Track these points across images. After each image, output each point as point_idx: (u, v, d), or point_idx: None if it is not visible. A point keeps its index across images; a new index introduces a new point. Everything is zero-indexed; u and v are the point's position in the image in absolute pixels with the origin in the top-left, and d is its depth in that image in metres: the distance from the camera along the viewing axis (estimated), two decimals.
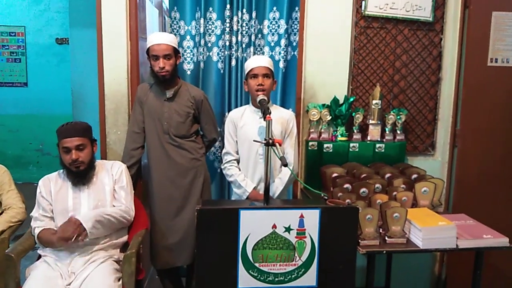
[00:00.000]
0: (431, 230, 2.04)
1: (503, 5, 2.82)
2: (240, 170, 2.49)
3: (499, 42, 2.85)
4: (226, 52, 2.89)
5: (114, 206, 2.29)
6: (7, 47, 5.79)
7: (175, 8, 2.88)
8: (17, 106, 5.85)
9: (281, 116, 2.45)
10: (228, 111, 2.94)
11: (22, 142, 5.93)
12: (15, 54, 5.82)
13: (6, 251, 2.12)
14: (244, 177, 2.45)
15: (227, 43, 2.88)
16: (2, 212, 2.44)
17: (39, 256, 2.24)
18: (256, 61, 2.41)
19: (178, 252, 2.61)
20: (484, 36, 2.85)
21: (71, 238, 2.05)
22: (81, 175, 2.24)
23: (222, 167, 2.55)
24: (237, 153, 2.51)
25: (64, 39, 5.71)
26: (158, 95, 2.57)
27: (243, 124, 2.46)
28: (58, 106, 5.69)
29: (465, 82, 2.88)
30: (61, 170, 2.33)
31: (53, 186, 2.27)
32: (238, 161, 2.51)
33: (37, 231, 2.19)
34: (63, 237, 2.06)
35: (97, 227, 2.13)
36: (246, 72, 2.44)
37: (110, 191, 2.31)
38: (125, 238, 2.33)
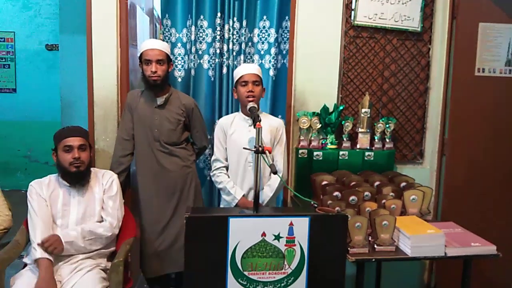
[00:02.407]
0: (419, 238, 2.05)
1: (489, 17, 2.87)
2: (229, 177, 2.48)
3: (486, 52, 2.90)
4: (217, 60, 2.90)
5: (101, 217, 2.28)
6: None
7: (167, 15, 2.89)
8: (5, 112, 5.78)
9: (271, 124, 2.46)
10: (219, 119, 2.95)
11: (10, 149, 5.85)
12: (4, 60, 5.76)
13: None
14: (233, 184, 2.45)
15: (218, 51, 2.89)
16: None
17: (25, 265, 2.20)
18: (246, 69, 2.43)
19: (167, 260, 2.59)
20: (471, 46, 2.89)
21: None
22: (79, 176, 2.24)
23: (211, 174, 2.54)
24: (227, 160, 2.50)
25: (54, 45, 5.68)
26: (149, 102, 2.56)
27: (232, 131, 2.46)
28: (47, 112, 5.64)
29: (453, 92, 2.91)
30: (53, 175, 2.31)
31: (45, 190, 2.24)
32: (227, 168, 2.51)
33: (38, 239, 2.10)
34: None
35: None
36: (235, 80, 2.45)
37: (100, 200, 2.29)
38: (113, 246, 2.31)
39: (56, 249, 2.08)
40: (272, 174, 2.38)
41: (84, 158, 2.24)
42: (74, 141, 2.21)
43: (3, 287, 2.07)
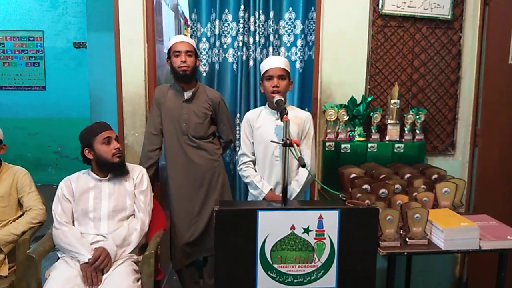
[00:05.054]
0: (453, 231, 1.99)
1: None
2: (256, 171, 2.48)
3: None
4: (242, 53, 2.89)
5: (133, 211, 2.32)
6: (26, 51, 5.90)
7: (195, 10, 2.90)
8: (36, 109, 5.95)
9: (298, 117, 2.43)
10: (244, 113, 2.94)
11: (41, 145, 6.03)
12: (33, 58, 5.92)
13: (28, 251, 2.16)
14: (260, 178, 2.44)
15: (242, 44, 2.87)
16: (23, 214, 2.48)
17: (59, 258, 2.26)
18: (271, 62, 2.39)
19: (197, 249, 2.64)
20: (505, 33, 2.79)
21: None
22: (122, 166, 2.31)
23: (238, 168, 2.54)
24: (253, 154, 2.49)
25: (81, 43, 5.80)
26: (177, 96, 2.59)
27: (259, 125, 2.44)
28: (76, 109, 5.77)
29: (486, 81, 2.82)
30: (82, 171, 2.36)
31: (74, 186, 2.30)
32: (254, 162, 2.50)
33: (70, 237, 2.18)
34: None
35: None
36: (261, 73, 2.43)
37: (131, 193, 2.33)
38: (144, 239, 2.35)
39: (107, 266, 2.11)
40: (300, 168, 2.37)
41: (122, 148, 2.34)
42: (112, 133, 2.30)
43: (40, 279, 2.13)
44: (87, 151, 2.29)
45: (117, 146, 2.28)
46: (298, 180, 2.41)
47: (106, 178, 2.31)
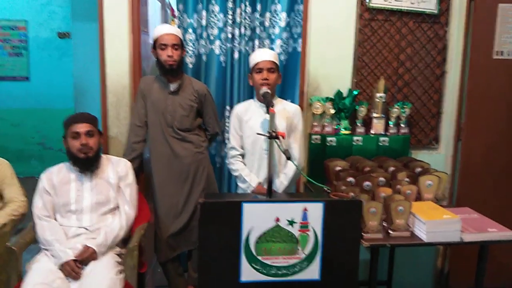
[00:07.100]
0: (435, 223, 2.02)
1: None
2: (245, 164, 2.47)
3: (505, 34, 2.83)
4: (228, 45, 2.87)
5: (117, 203, 2.30)
6: (9, 41, 5.77)
7: (182, 0, 2.86)
8: (19, 100, 5.83)
9: (287, 110, 2.42)
10: (230, 105, 2.93)
11: (24, 136, 5.92)
12: (17, 48, 5.80)
13: (8, 244, 2.12)
14: (248, 171, 2.43)
15: (230, 36, 2.85)
16: (4, 206, 2.44)
17: (40, 249, 2.23)
18: (261, 55, 2.38)
19: (181, 241, 2.63)
20: (489, 28, 2.82)
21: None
22: (89, 162, 2.24)
23: (227, 161, 2.53)
24: (242, 148, 2.48)
25: (65, 33, 5.70)
26: (162, 88, 2.56)
27: (248, 118, 2.43)
28: (60, 100, 5.67)
29: (470, 75, 2.85)
30: (65, 162, 2.32)
31: (55, 178, 2.26)
32: (243, 156, 2.49)
33: (48, 236, 2.15)
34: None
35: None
36: (251, 66, 2.41)
37: (114, 186, 2.30)
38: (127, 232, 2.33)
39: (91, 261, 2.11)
40: (288, 161, 2.37)
41: (92, 144, 2.22)
42: (81, 128, 2.20)
43: (21, 272, 2.10)
44: (64, 140, 2.26)
45: (83, 142, 2.18)
46: (287, 173, 2.41)
47: (85, 170, 2.28)
